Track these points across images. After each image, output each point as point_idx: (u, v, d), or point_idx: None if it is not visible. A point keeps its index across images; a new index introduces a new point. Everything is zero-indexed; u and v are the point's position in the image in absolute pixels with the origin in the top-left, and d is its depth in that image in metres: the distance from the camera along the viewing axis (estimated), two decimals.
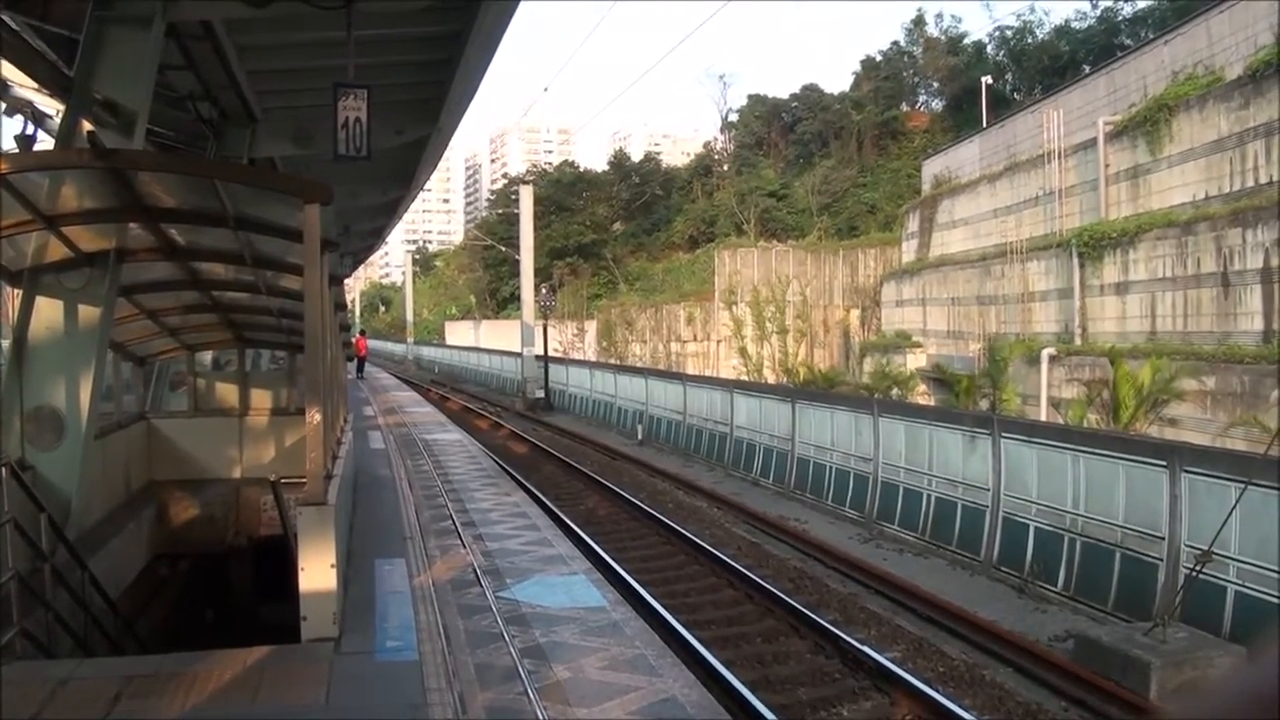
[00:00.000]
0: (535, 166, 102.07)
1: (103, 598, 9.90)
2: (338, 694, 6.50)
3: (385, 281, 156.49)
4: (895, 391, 31.14)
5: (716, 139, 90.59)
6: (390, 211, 35.25)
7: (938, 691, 9.50)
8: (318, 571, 7.49)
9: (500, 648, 7.79)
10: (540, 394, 42.13)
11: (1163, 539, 11.41)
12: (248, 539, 14.88)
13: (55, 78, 12.54)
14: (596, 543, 15.65)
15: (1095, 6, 57.23)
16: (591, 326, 64.40)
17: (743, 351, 54.75)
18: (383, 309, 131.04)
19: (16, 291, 9.79)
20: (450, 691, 6.65)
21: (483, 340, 69.81)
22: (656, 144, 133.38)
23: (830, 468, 19.46)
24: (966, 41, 68.28)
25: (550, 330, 46.62)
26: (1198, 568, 10.02)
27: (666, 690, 6.95)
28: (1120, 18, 54.87)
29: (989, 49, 64.86)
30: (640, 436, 30.23)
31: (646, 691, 6.92)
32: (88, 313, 9.78)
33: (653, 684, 7.07)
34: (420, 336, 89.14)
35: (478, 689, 6.87)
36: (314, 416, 7.66)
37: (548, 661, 7.51)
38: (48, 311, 9.61)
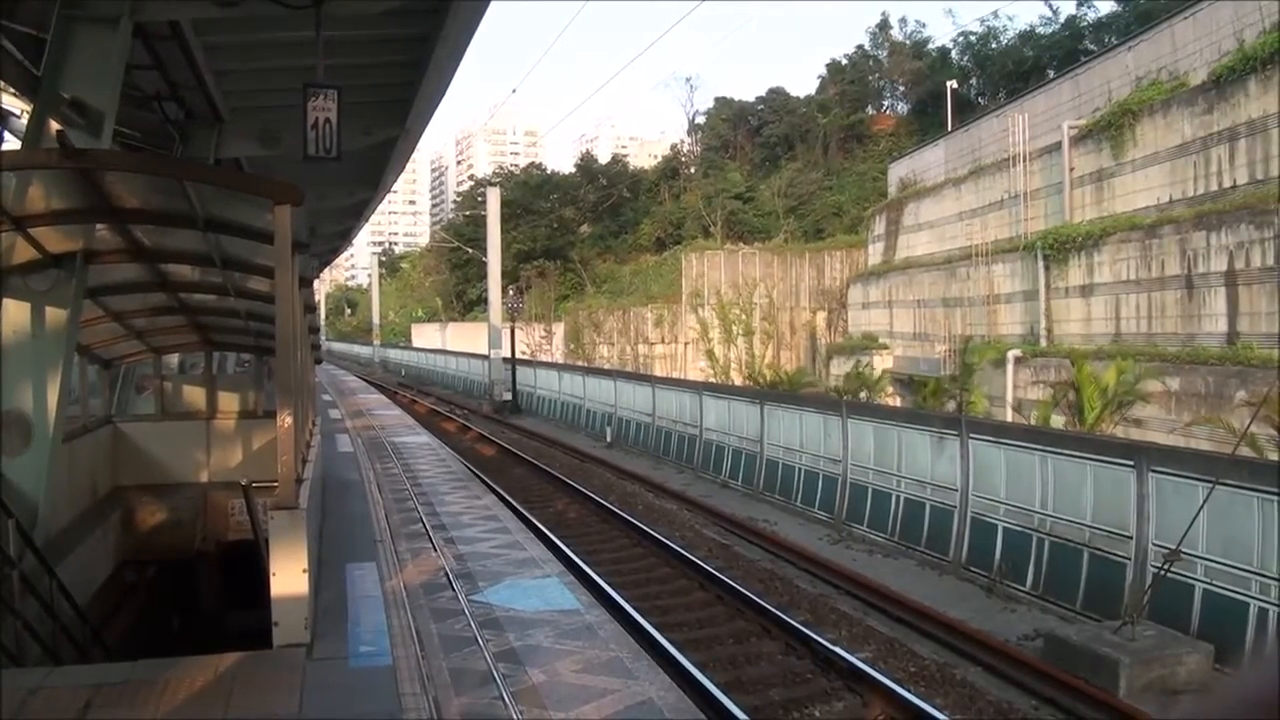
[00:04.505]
0: (502, 168, 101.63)
1: (71, 605, 9.76)
2: (311, 700, 6.43)
3: (351, 284, 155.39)
4: (864, 393, 31.26)
5: (683, 142, 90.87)
6: (357, 214, 35.00)
7: (909, 691, 9.56)
8: (289, 576, 7.41)
9: (474, 652, 7.77)
10: (508, 396, 41.99)
11: (1130, 538, 11.54)
12: (215, 544, 14.71)
13: (22, 77, 12.35)
14: (568, 545, 15.61)
15: (1057, 14, 57.90)
16: (559, 329, 64.27)
17: (710, 354, 54.87)
18: (349, 311, 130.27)
19: None
20: (425, 696, 6.61)
21: (450, 343, 69.56)
22: (624, 146, 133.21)
23: (799, 469, 19.52)
24: (931, 47, 68.79)
25: (517, 333, 46.51)
26: (1166, 566, 10.14)
27: (643, 693, 6.96)
28: (1084, 24, 55.53)
29: (953, 54, 65.41)
30: (609, 439, 30.21)
31: (623, 694, 6.92)
32: (54, 315, 9.64)
33: (629, 686, 7.07)
34: (387, 339, 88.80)
35: (453, 693, 6.85)
36: (285, 420, 7.58)
37: (522, 665, 7.49)
38: (14, 313, 9.46)
